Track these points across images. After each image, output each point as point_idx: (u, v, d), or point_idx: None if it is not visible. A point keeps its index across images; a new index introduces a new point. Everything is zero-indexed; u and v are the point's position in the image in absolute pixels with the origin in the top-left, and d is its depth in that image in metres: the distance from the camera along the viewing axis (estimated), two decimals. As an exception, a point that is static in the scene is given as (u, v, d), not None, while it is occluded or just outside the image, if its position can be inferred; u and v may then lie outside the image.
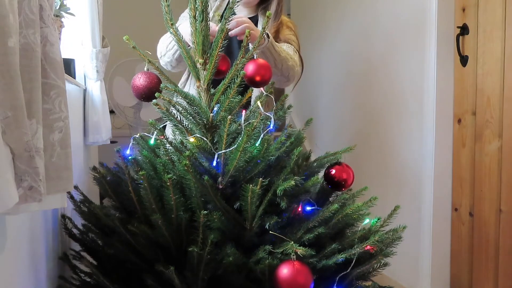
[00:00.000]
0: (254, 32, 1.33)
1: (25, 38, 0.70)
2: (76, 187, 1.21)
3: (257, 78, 1.13)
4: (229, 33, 1.31)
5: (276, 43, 1.49)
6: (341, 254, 1.05)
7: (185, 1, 1.09)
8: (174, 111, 1.10)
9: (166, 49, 1.51)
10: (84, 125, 1.75)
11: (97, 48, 1.71)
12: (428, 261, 1.99)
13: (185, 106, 1.10)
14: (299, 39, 1.71)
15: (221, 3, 1.60)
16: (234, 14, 1.15)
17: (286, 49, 1.59)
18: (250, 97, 1.14)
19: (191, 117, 1.10)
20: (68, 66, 1.55)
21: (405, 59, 2.12)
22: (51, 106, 0.78)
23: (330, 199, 1.23)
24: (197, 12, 1.08)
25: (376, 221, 1.17)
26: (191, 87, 1.56)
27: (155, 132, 1.13)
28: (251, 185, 0.97)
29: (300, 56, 1.63)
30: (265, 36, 1.40)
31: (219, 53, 1.11)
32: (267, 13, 1.13)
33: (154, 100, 1.12)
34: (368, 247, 1.05)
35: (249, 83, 1.13)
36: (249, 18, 1.62)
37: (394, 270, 1.39)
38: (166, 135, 1.15)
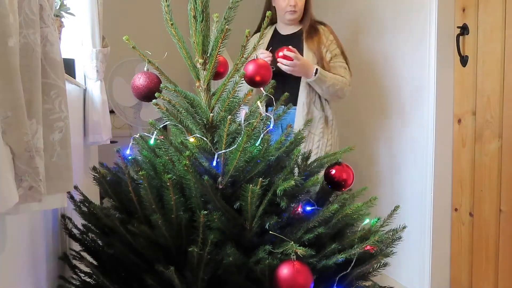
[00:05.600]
0: (304, 70, 1.84)
1: (25, 38, 0.70)
2: (76, 187, 1.20)
3: (257, 78, 1.13)
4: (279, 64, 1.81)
5: (324, 72, 1.88)
6: (341, 254, 1.04)
7: (185, 1, 1.09)
8: (174, 111, 1.10)
9: None
10: (84, 125, 1.75)
11: (97, 48, 1.71)
12: (428, 261, 1.99)
13: (185, 106, 1.10)
14: (341, 46, 2.03)
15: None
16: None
17: (338, 69, 1.95)
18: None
19: (191, 117, 1.10)
20: (68, 66, 1.54)
21: (405, 59, 2.12)
22: (51, 106, 0.78)
23: (330, 199, 1.23)
24: (197, 12, 1.08)
25: (376, 221, 1.17)
26: None
27: (155, 132, 1.13)
28: (251, 185, 0.97)
29: (348, 68, 2.01)
30: (314, 71, 1.84)
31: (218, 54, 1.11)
32: (267, 13, 1.15)
33: (154, 100, 1.12)
34: (368, 247, 1.05)
35: (249, 83, 1.14)
36: (293, 33, 2.02)
37: (394, 270, 1.39)
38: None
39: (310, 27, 1.99)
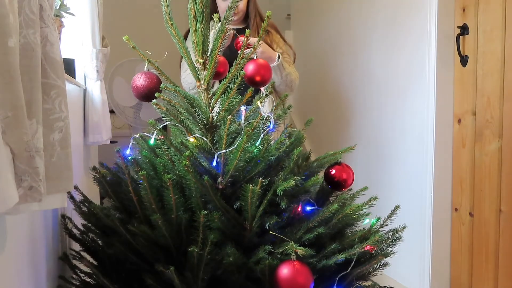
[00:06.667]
0: (270, 54, 1.84)
1: (25, 38, 0.70)
2: (76, 187, 1.20)
3: (257, 78, 1.13)
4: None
5: (283, 60, 1.89)
6: (341, 254, 1.04)
7: (185, 1, 1.09)
8: (174, 111, 1.10)
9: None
10: (84, 125, 1.75)
11: (97, 48, 1.71)
12: (428, 261, 1.99)
13: (185, 106, 1.10)
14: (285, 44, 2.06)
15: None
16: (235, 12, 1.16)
17: (287, 64, 1.95)
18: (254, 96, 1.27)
19: (191, 117, 1.10)
20: (68, 66, 1.55)
21: (405, 59, 2.12)
22: (51, 106, 0.78)
23: (330, 199, 1.23)
24: (197, 12, 1.08)
25: (376, 221, 1.17)
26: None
27: (155, 132, 1.13)
28: (251, 185, 0.97)
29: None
30: (277, 56, 1.86)
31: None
32: (268, 13, 1.14)
33: (154, 100, 1.12)
34: (368, 247, 1.05)
35: (249, 83, 1.14)
36: (239, 29, 1.99)
37: (394, 270, 1.39)
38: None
39: (258, 25, 1.99)
